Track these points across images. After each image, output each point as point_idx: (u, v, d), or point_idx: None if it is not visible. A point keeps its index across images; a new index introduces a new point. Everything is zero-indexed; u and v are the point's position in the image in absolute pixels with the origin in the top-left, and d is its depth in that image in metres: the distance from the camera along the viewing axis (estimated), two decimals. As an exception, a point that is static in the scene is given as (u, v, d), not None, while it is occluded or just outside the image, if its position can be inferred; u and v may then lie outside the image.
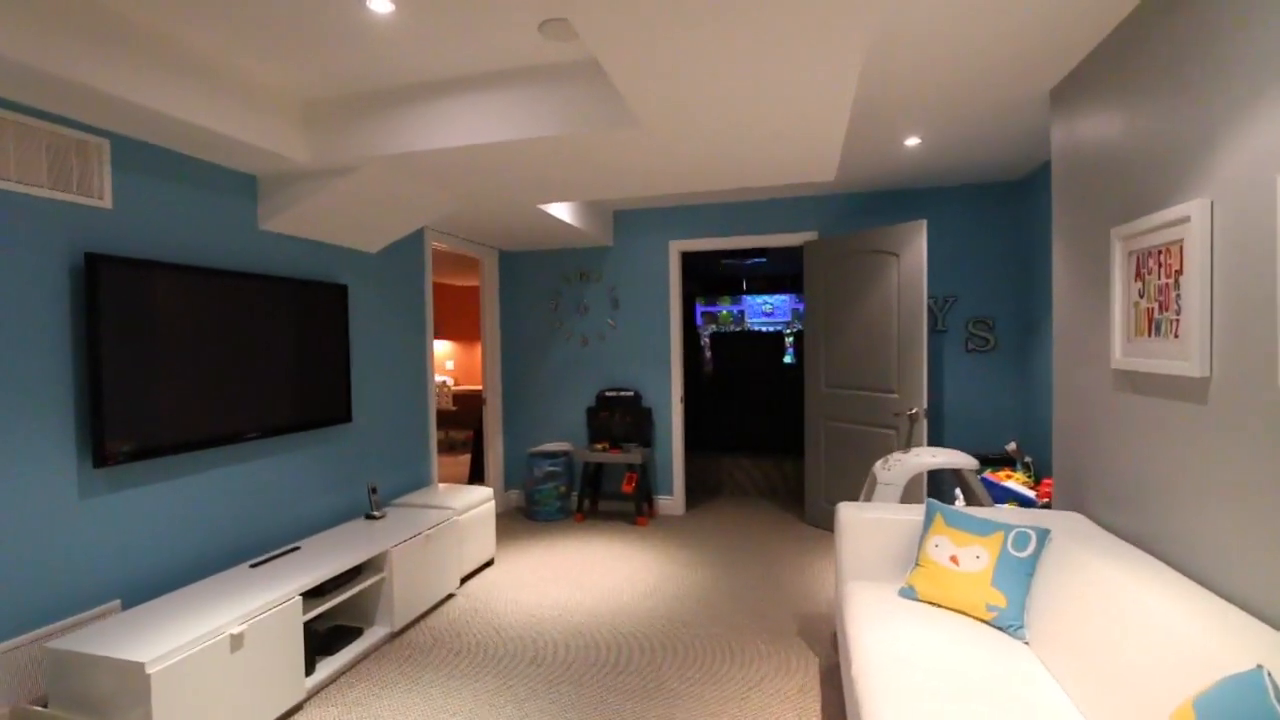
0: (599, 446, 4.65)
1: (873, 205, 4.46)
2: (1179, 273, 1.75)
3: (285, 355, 2.85)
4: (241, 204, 2.76)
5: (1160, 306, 1.85)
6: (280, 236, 2.95)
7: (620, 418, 4.79)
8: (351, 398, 3.30)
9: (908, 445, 3.80)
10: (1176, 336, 1.76)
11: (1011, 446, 3.79)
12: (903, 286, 3.81)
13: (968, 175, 4.06)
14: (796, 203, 4.57)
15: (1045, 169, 3.76)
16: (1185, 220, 1.69)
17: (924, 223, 3.69)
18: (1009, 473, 3.64)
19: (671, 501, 4.85)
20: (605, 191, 3.27)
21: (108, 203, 2.23)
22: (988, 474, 3.64)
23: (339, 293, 3.17)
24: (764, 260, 6.97)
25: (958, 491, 3.50)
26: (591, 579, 3.54)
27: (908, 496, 3.66)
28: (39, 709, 1.85)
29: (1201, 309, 1.64)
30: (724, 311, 8.40)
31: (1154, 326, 1.88)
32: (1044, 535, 2.06)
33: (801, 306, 8.02)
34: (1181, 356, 1.73)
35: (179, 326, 2.40)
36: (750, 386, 6.52)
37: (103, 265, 2.14)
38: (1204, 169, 1.65)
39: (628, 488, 4.51)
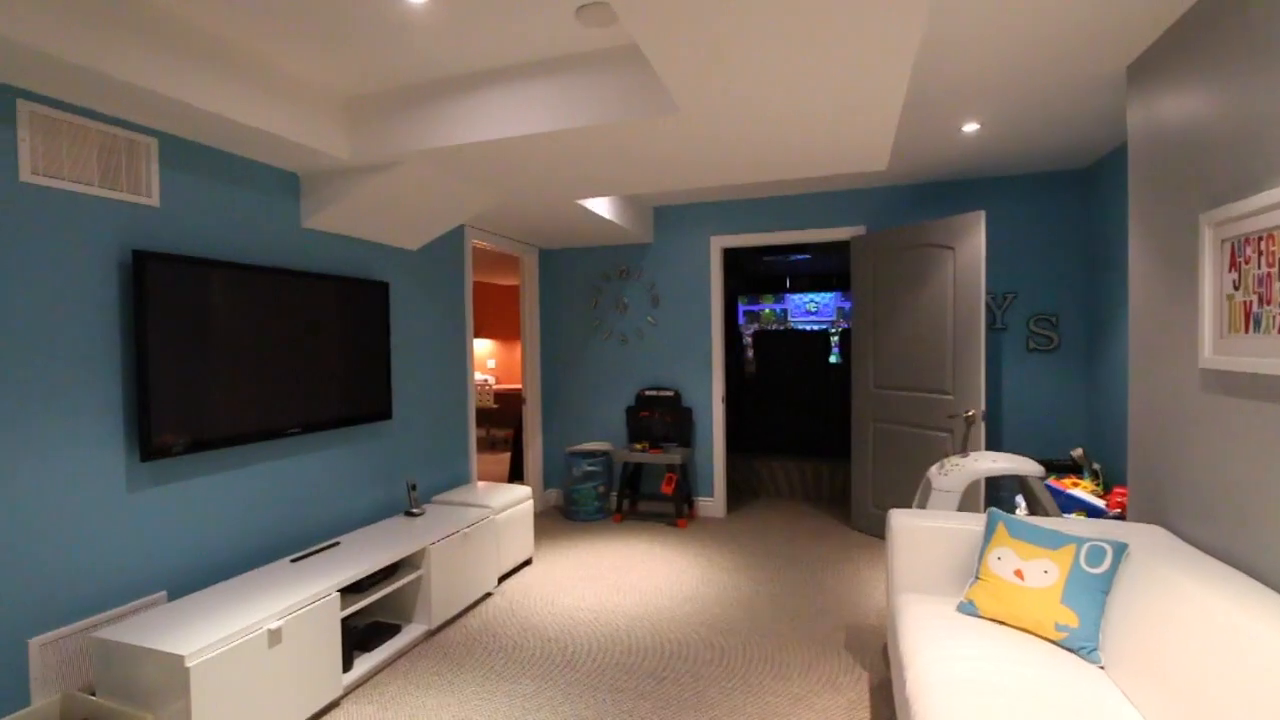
0: (639, 447, 4.58)
1: (925, 197, 4.25)
2: (1285, 260, 1.56)
3: (328, 352, 2.87)
4: (284, 201, 2.79)
5: (1261, 299, 1.66)
6: (323, 234, 2.98)
7: (660, 417, 4.71)
8: (392, 394, 3.31)
9: (964, 449, 3.59)
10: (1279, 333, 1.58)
11: (1078, 452, 3.54)
12: (959, 282, 3.61)
13: (1030, 163, 3.82)
14: (844, 196, 4.40)
15: (1116, 155, 3.50)
16: (1294, 201, 1.51)
17: (982, 213, 3.48)
18: (1075, 480, 3.40)
19: (712, 503, 4.74)
20: (646, 184, 3.19)
21: (155, 201, 2.27)
22: (1052, 481, 3.41)
23: (380, 290, 3.18)
24: (808, 257, 6.78)
25: (1020, 500, 3.28)
26: (630, 581, 3.47)
27: (966, 504, 3.46)
28: (88, 696, 1.88)
29: (1314, 300, 1.46)
30: (766, 310, 8.22)
31: (1252, 321, 1.69)
32: (1120, 549, 1.88)
33: (847, 305, 7.78)
34: (1288, 354, 1.54)
35: (224, 322, 2.43)
36: (794, 386, 6.34)
37: (150, 261, 2.17)
38: (1318, 142, 1.47)
39: (667, 489, 4.42)
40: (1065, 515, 2.86)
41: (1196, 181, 1.95)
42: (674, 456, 4.40)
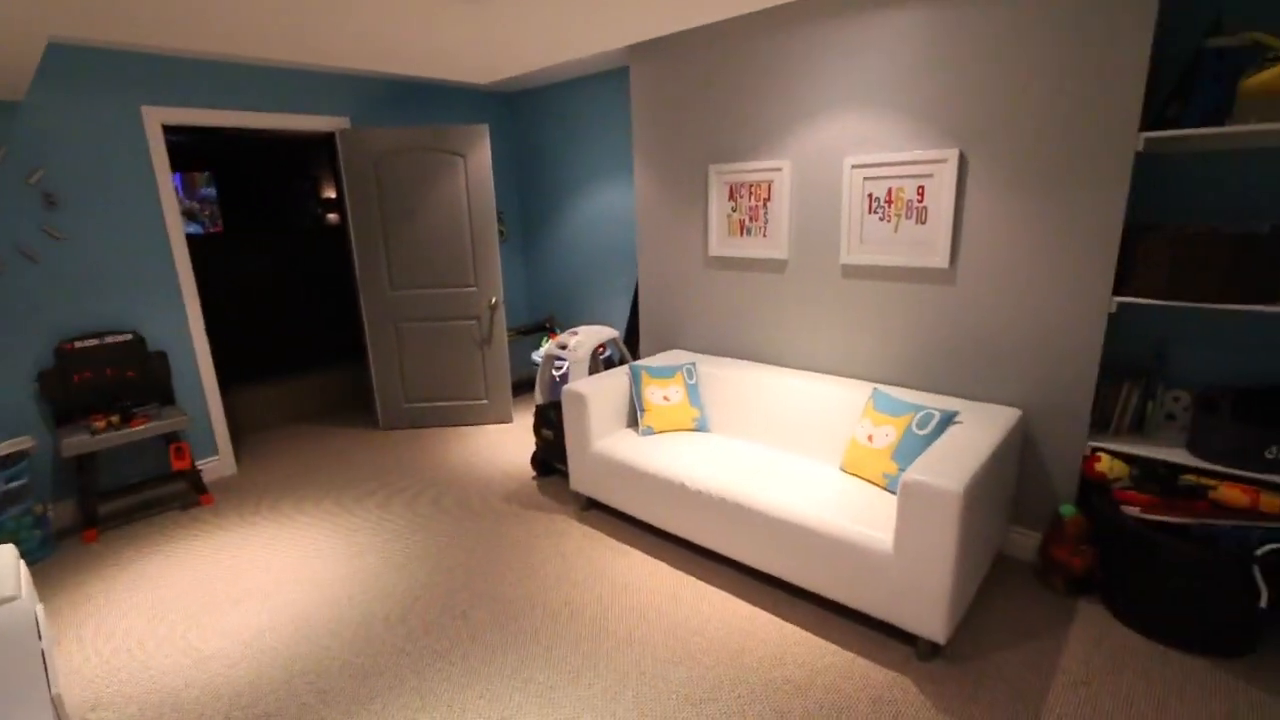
0: (99, 424, 3.10)
1: (401, 96, 4.30)
2: (767, 200, 3.07)
3: None
4: None
5: (750, 218, 3.17)
6: None
7: (116, 375, 3.26)
8: None
9: (490, 333, 4.34)
10: (765, 236, 3.12)
11: (548, 318, 4.88)
12: (472, 187, 4.10)
13: (487, 85, 4.48)
14: (322, 79, 3.90)
15: (531, 93, 4.62)
16: (779, 169, 2.99)
17: (486, 127, 4.02)
18: (554, 335, 4.74)
19: (219, 462, 3.79)
20: None
21: None
22: (551, 337, 4.64)
23: None
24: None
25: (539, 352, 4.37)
26: (195, 613, 2.75)
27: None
28: None
29: (786, 220, 3.02)
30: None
31: (745, 230, 3.20)
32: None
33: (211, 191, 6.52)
34: (772, 247, 3.11)
35: None
36: (266, 297, 5.21)
37: None
38: (788, 142, 2.95)
39: (181, 463, 3.29)
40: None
41: (705, 144, 3.27)
42: (173, 420, 3.26)
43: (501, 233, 5.06)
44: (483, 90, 4.74)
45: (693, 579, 2.61)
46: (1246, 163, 2.21)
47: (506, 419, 4.53)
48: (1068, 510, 2.35)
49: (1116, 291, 2.28)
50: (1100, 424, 2.46)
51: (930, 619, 2.02)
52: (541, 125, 4.75)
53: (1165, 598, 2.06)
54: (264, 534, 3.12)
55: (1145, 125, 2.18)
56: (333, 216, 6.85)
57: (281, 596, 2.61)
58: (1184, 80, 2.14)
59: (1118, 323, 2.52)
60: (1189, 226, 2.25)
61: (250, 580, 2.74)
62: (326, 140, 4.61)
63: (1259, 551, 1.89)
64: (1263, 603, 1.90)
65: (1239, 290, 2.03)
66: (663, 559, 2.76)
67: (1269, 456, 2.05)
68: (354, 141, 3.98)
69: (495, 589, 2.60)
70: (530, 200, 5.04)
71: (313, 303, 5.96)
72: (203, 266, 5.14)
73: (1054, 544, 2.36)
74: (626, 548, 2.86)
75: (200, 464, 3.71)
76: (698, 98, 3.23)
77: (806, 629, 2.29)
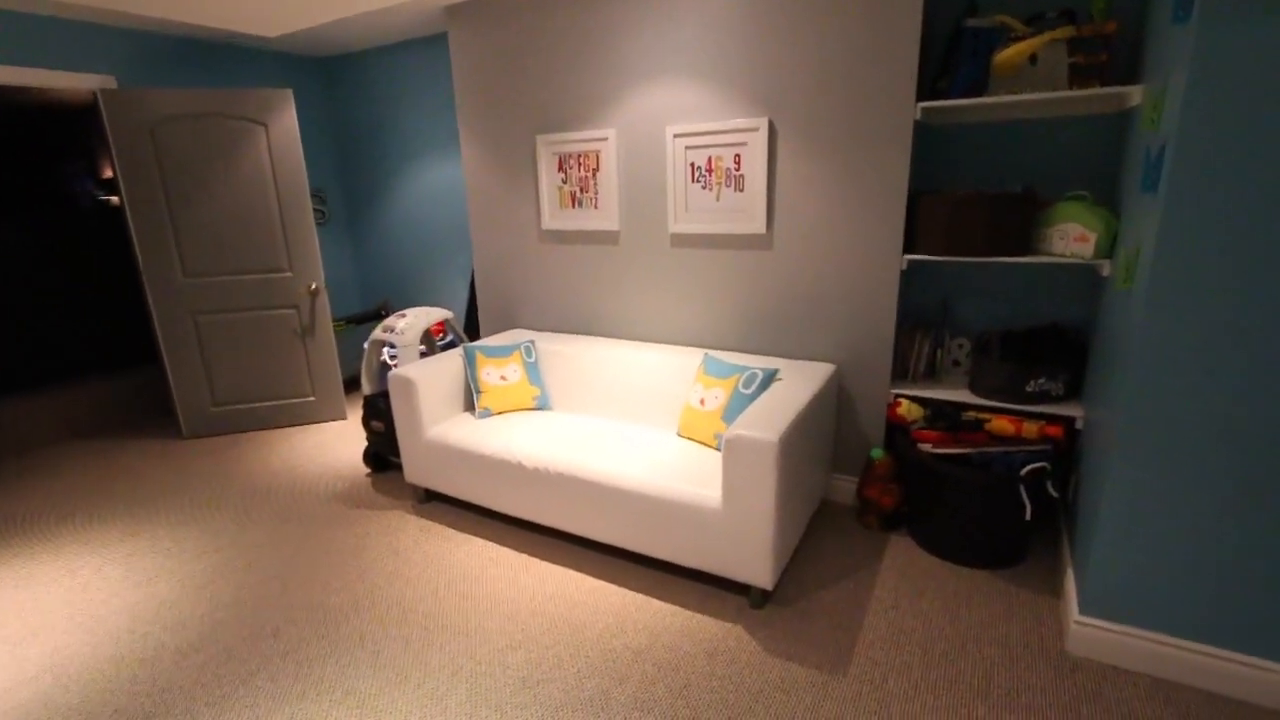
0: None
1: (184, 55, 3.72)
2: (596, 170, 3.02)
3: None
4: None
5: (581, 189, 3.10)
6: None
7: None
8: None
9: (312, 320, 3.93)
10: (597, 207, 3.08)
11: (383, 301, 4.52)
12: (277, 159, 3.65)
13: (289, 45, 4.01)
14: (80, 29, 3.26)
15: (354, 57, 4.24)
16: (605, 139, 2.94)
17: (290, 92, 3.59)
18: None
19: (-44, 492, 3.09)
20: None
21: None
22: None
23: None
24: None
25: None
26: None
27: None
28: None
29: (616, 191, 2.99)
30: None
31: (576, 202, 3.14)
32: (529, 346, 3.17)
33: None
34: (604, 219, 3.07)
35: None
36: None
37: None
38: (613, 111, 2.91)
39: (-108, 497, 2.62)
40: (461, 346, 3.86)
41: (530, 114, 3.14)
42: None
43: (322, 213, 4.60)
44: (292, 55, 4.25)
45: (536, 560, 2.53)
46: (1005, 132, 2.50)
47: (339, 416, 4.15)
48: (876, 453, 2.55)
49: (906, 250, 2.50)
50: (900, 373, 2.70)
51: (758, 567, 2.10)
52: (362, 96, 4.36)
53: (954, 522, 2.31)
54: (18, 573, 2.59)
55: (921, 96, 2.40)
56: (116, 199, 5.88)
57: (42, 643, 2.17)
58: (949, 57, 2.37)
59: (910, 280, 2.77)
60: (960, 191, 2.52)
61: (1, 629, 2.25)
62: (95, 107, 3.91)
63: (1023, 472, 2.16)
64: (1027, 516, 2.18)
65: (999, 245, 2.29)
66: (506, 544, 2.65)
67: (1030, 389, 2.35)
68: (123, 104, 3.39)
69: (315, 598, 2.35)
70: (355, 178, 4.62)
71: (94, 297, 5.08)
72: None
73: (867, 485, 2.56)
74: (467, 537, 2.71)
75: (-72, 498, 3.01)
76: (520, 65, 3.10)
77: (648, 594, 2.29)
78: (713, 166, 2.72)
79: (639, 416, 2.88)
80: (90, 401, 4.29)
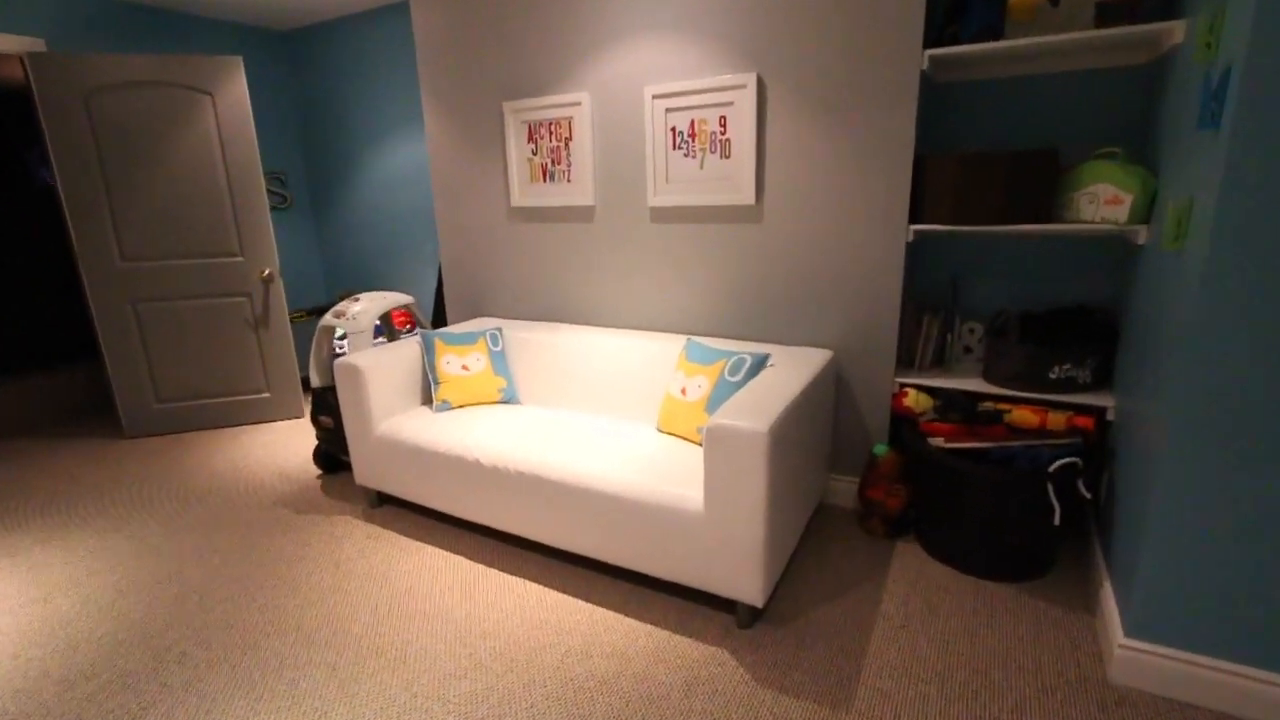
0: None
1: (122, 20, 3.43)
2: (569, 139, 2.74)
3: None
4: None
5: (553, 161, 2.81)
6: None
7: None
8: None
9: (266, 310, 3.62)
10: (570, 181, 2.79)
11: (344, 292, 4.21)
12: (226, 133, 3.35)
13: (241, 13, 3.72)
14: (-14, -16, 2.97)
15: (323, 28, 3.95)
16: (578, 104, 2.65)
17: (240, 59, 3.29)
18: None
19: None
20: None
21: None
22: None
23: None
24: None
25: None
26: None
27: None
28: None
29: (591, 162, 2.70)
30: None
31: (548, 175, 2.85)
32: (495, 334, 2.87)
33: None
34: (577, 193, 2.78)
35: None
36: None
37: None
38: (586, 72, 2.62)
39: None
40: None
41: (498, 79, 2.86)
42: None
43: (283, 197, 4.29)
44: (248, 26, 3.96)
45: (494, 571, 2.22)
46: (1021, 88, 2.23)
47: (297, 414, 3.83)
48: (880, 449, 2.26)
49: (912, 220, 2.22)
50: (905, 360, 2.41)
51: (746, 581, 1.80)
52: (324, 72, 4.07)
53: (972, 527, 2.01)
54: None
55: (929, 45, 2.13)
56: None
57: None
58: (959, 1, 2.10)
59: (916, 255, 2.49)
60: (971, 149, 2.24)
61: None
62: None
63: (1051, 468, 1.87)
64: (1056, 520, 1.88)
65: (1017, 211, 2.01)
66: (461, 553, 2.34)
67: (1053, 376, 2.07)
68: (52, 69, 3.09)
69: (235, 616, 2.03)
70: (319, 161, 4.32)
71: (26, 284, 4.74)
72: None
73: (870, 485, 2.26)
74: (419, 545, 2.40)
75: None
76: (487, 25, 2.82)
77: (620, 611, 1.99)
78: (695, 131, 2.44)
79: (615, 409, 2.58)
80: (32, 397, 3.96)
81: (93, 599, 2.16)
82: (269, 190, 4.20)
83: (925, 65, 2.06)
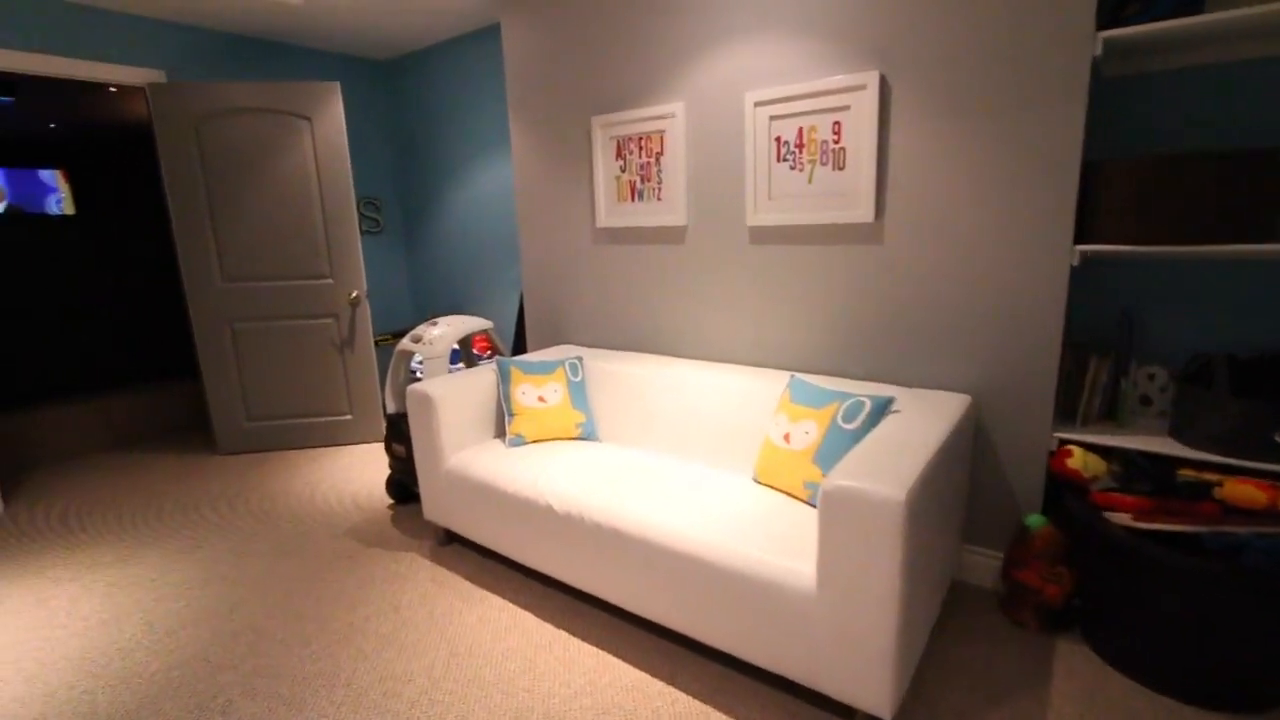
0: None
1: (241, 52, 3.59)
2: (660, 154, 2.52)
3: None
4: None
5: (642, 178, 2.60)
6: None
7: None
8: None
9: (352, 332, 3.61)
10: (660, 199, 2.56)
11: (433, 316, 4.18)
12: (322, 157, 3.40)
13: (345, 44, 3.82)
14: (130, 22, 3.15)
15: (418, 56, 4.00)
16: (671, 115, 2.44)
17: (337, 85, 3.34)
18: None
19: (-32, 502, 2.90)
20: None
21: None
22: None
23: None
24: (10, 101, 4.32)
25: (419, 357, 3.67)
26: None
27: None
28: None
29: (684, 178, 2.47)
30: None
31: (636, 194, 2.64)
32: (575, 362, 2.65)
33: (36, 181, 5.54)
34: (668, 212, 2.54)
35: None
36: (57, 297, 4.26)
37: None
38: (681, 81, 2.41)
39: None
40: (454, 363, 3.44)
41: (586, 93, 2.70)
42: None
43: (376, 221, 4.35)
44: (347, 56, 4.07)
45: (564, 634, 1.95)
46: (1219, 79, 1.79)
47: (378, 438, 3.78)
48: (1035, 521, 1.83)
49: (1078, 240, 1.81)
50: (1064, 412, 1.98)
51: (869, 684, 1.43)
52: (417, 99, 4.11)
53: (1170, 633, 1.55)
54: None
55: (1101, 26, 1.75)
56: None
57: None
58: (1147, -30, 1.71)
59: (1078, 283, 2.06)
60: (1158, 151, 1.82)
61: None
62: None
63: (1289, 566, 1.40)
64: (1298, 635, 1.40)
65: (1230, 226, 1.58)
66: (529, 608, 2.10)
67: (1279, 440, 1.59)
68: (169, 98, 3.23)
69: (286, 663, 1.87)
70: (410, 186, 4.36)
71: (147, 302, 5.04)
72: None
73: (1020, 565, 1.83)
74: (484, 594, 2.18)
75: (-62, 507, 2.82)
76: (577, 38, 2.67)
77: (708, 701, 1.66)
78: (804, 140, 2.15)
79: (704, 453, 2.28)
80: (136, 412, 4.15)
81: (156, 626, 2.08)
82: (363, 215, 4.26)
83: (1098, 51, 1.68)
